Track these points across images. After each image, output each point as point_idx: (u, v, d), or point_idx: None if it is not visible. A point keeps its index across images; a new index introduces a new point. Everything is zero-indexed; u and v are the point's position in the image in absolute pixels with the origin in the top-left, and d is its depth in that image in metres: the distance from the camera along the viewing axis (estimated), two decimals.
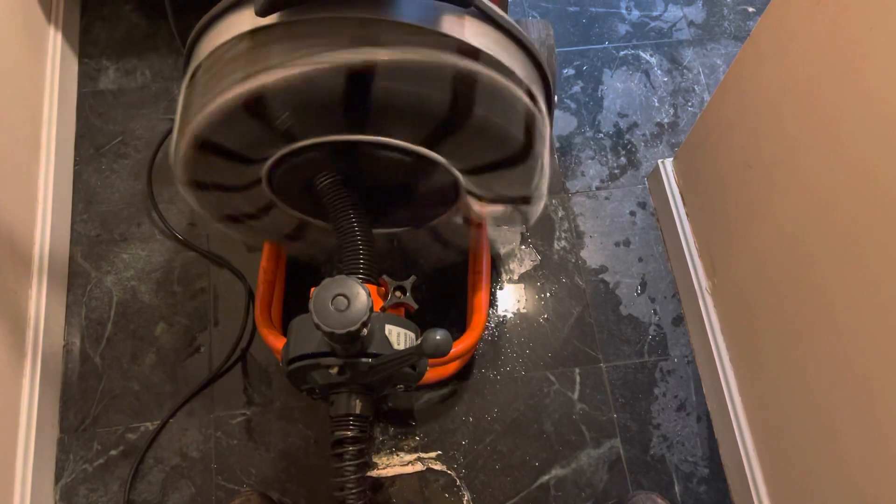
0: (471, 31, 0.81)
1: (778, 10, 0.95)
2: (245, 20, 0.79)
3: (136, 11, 1.58)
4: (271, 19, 0.77)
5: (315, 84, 0.74)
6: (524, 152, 0.84)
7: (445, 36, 0.77)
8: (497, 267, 1.38)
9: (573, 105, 1.54)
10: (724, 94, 1.12)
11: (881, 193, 0.78)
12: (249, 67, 0.75)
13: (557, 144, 1.50)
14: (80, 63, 1.51)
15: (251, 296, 1.31)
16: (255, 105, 0.75)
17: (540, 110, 0.87)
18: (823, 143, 0.88)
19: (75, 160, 1.42)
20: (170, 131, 1.44)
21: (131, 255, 1.35)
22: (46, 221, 1.27)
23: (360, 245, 0.89)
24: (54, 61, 1.40)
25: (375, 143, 0.82)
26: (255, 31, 0.78)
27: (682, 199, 1.33)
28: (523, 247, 1.40)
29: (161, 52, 1.55)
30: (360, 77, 0.74)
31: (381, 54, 0.73)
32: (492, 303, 1.34)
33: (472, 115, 0.78)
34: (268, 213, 1.01)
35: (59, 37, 1.43)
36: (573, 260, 1.39)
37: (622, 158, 1.49)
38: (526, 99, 0.84)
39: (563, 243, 1.40)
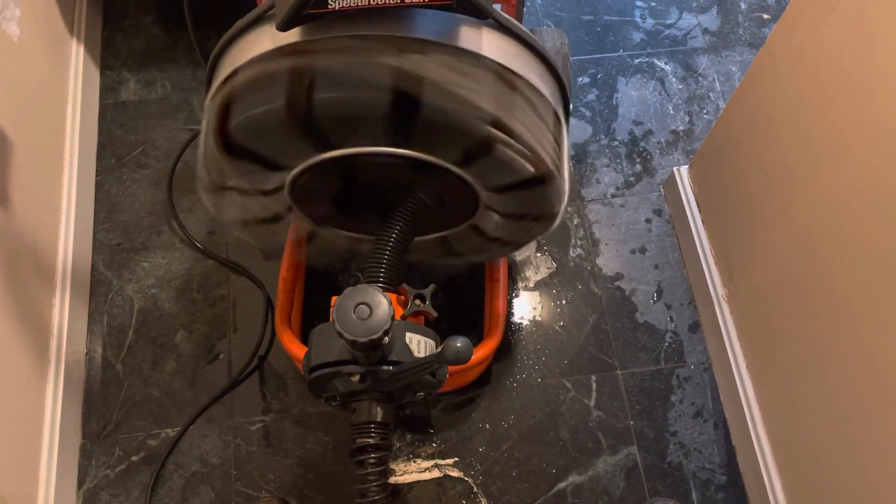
0: (488, 42, 0.82)
1: (793, 17, 0.95)
2: (266, 37, 0.81)
3: (156, 24, 1.61)
4: (293, 35, 0.79)
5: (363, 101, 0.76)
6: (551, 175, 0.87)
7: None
8: (513, 274, 1.38)
9: (588, 113, 1.55)
10: (739, 101, 1.13)
11: None
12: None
13: (572, 152, 1.51)
14: (102, 75, 1.54)
15: (269, 303, 1.33)
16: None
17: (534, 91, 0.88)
18: (839, 149, 0.88)
19: (97, 170, 1.45)
20: (190, 141, 1.46)
21: (152, 263, 1.37)
22: (69, 231, 1.29)
23: (383, 254, 0.90)
24: (77, 73, 1.42)
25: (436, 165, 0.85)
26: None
27: (698, 206, 1.33)
28: (539, 254, 1.40)
29: (180, 63, 1.57)
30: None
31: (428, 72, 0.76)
32: (508, 310, 1.35)
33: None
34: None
35: (82, 49, 1.45)
36: (589, 267, 1.39)
37: (637, 166, 1.49)
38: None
39: (579, 251, 1.41)
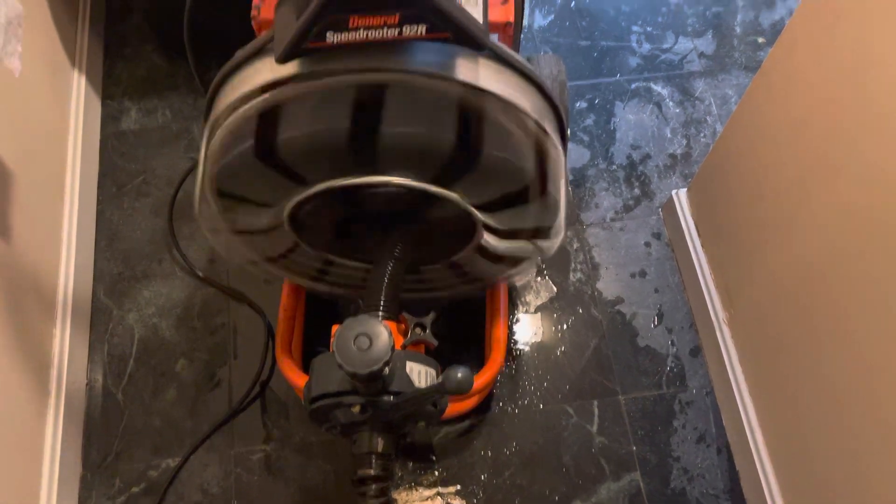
0: (485, 73, 0.83)
1: (788, 42, 0.96)
2: (266, 69, 0.82)
3: (157, 52, 1.62)
4: (291, 68, 0.79)
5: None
6: (539, 186, 0.86)
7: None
8: (514, 299, 1.38)
9: (586, 138, 1.56)
10: (735, 126, 1.13)
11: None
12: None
13: (571, 177, 1.52)
14: (103, 104, 1.55)
15: (270, 331, 1.33)
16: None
17: (554, 145, 0.89)
18: (836, 173, 0.88)
19: (98, 199, 1.45)
20: (191, 169, 1.47)
21: (152, 291, 1.38)
22: (70, 260, 1.29)
23: (382, 282, 0.90)
24: (78, 103, 1.43)
25: (384, 183, 0.84)
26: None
27: (697, 230, 1.34)
28: (539, 279, 1.40)
29: (181, 91, 1.58)
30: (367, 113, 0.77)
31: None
32: (509, 336, 1.34)
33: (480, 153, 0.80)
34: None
35: (83, 80, 1.47)
36: (589, 291, 1.39)
37: (636, 190, 1.50)
38: (535, 129, 0.86)
39: (579, 275, 1.41)
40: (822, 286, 0.95)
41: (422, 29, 0.76)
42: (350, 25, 0.75)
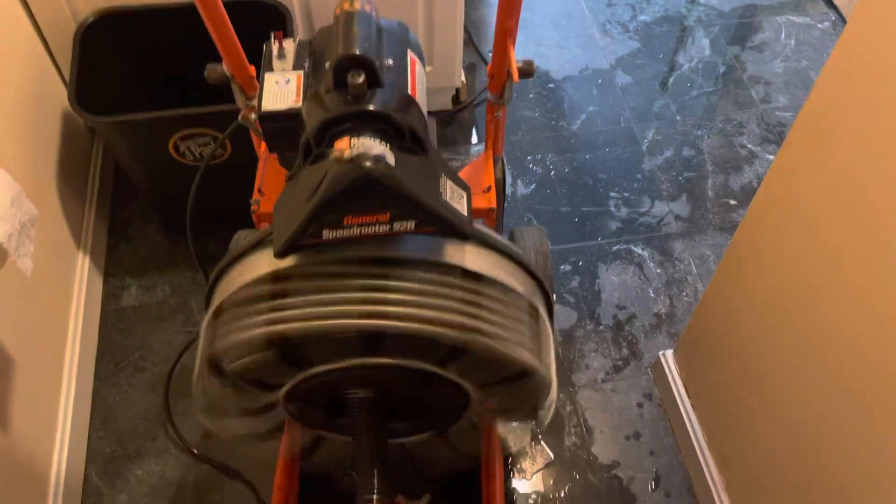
0: (471, 257, 0.88)
1: (751, 225, 1.03)
2: (265, 261, 0.87)
3: (158, 231, 1.69)
4: (290, 261, 0.85)
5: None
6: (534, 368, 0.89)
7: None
8: (510, 466, 1.37)
9: (572, 299, 1.61)
10: (712, 298, 1.18)
11: (870, 394, 0.82)
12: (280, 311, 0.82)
13: (560, 338, 1.55)
14: (105, 282, 1.60)
15: None
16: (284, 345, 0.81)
17: (543, 320, 0.93)
18: (804, 350, 0.92)
19: (95, 377, 1.47)
20: (188, 345, 1.50)
21: (145, 470, 1.36)
22: (64, 443, 1.29)
23: (375, 464, 0.91)
24: (81, 285, 1.48)
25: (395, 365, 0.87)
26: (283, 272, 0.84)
27: (687, 392, 1.36)
28: (534, 444, 1.40)
29: (180, 266, 1.64)
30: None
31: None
32: None
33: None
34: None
35: (87, 261, 1.52)
36: (585, 456, 1.39)
37: (624, 350, 1.53)
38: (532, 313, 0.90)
39: (574, 439, 1.41)
40: (814, 456, 0.96)
41: (411, 224, 0.83)
42: (344, 223, 0.82)
